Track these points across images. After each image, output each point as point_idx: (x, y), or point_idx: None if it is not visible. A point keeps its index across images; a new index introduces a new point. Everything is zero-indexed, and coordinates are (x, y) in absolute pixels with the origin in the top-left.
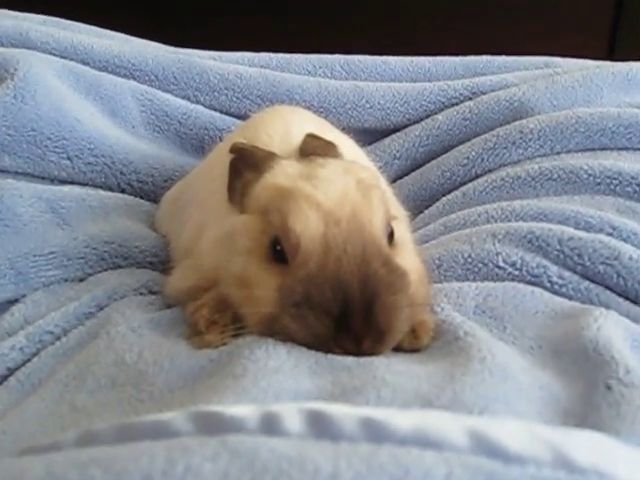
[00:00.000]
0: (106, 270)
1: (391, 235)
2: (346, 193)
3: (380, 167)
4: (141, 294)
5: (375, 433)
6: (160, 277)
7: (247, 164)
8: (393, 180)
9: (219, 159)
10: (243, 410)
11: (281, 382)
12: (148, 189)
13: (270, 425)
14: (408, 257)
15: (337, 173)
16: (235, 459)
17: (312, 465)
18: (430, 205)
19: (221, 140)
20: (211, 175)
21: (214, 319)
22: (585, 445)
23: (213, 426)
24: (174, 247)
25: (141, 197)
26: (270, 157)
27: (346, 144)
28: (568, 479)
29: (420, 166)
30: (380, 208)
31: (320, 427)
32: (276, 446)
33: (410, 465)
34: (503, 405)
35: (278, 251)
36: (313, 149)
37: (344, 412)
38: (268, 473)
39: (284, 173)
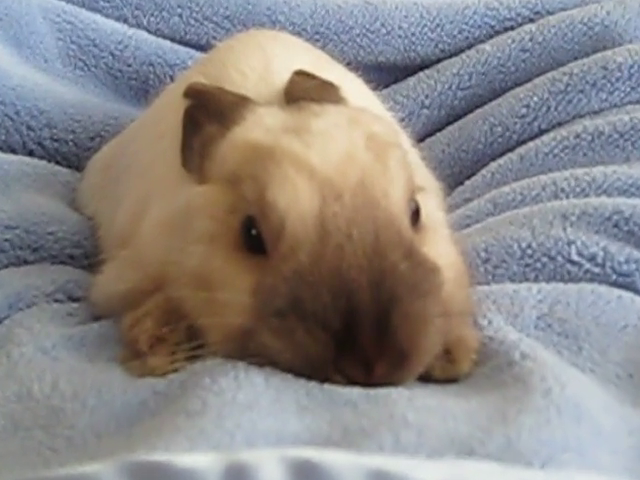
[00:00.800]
0: (7, 267)
1: (416, 214)
2: (351, 154)
3: (402, 119)
4: (57, 301)
5: None
6: (84, 276)
7: (209, 113)
8: (421, 138)
9: (169, 107)
10: (201, 459)
11: (255, 422)
12: (67, 151)
13: (239, 479)
14: (441, 246)
15: (339, 125)
16: None
17: None
18: (473, 173)
19: (172, 80)
20: (158, 130)
21: (161, 335)
22: None
23: None
24: (105, 234)
25: (57, 162)
26: (242, 103)
27: (352, 85)
28: None
29: (459, 118)
30: (400, 175)
31: None
32: None
33: None
34: (576, 455)
35: (253, 237)
36: (304, 92)
37: (345, 462)
38: None
39: (262, 125)
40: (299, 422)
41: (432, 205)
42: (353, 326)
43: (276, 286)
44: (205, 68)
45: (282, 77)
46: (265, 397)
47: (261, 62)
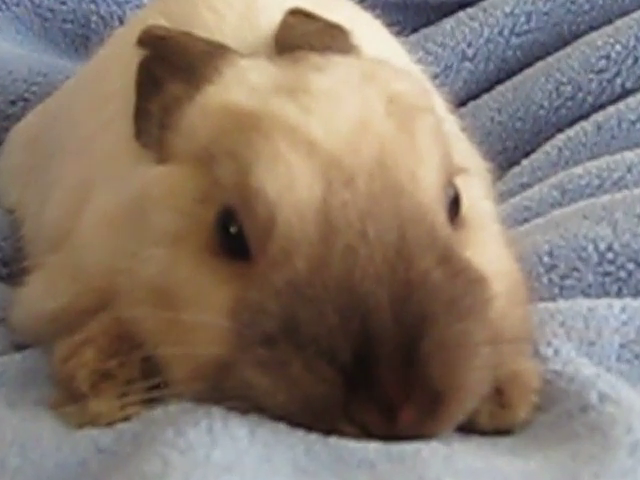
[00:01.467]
0: None
1: (455, 204)
2: (367, 122)
3: (436, 75)
4: None
5: None
6: (3, 291)
7: (172, 67)
8: (461, 101)
9: (118, 60)
10: None
11: None
12: None
13: None
14: (489, 248)
15: (349, 83)
16: None
17: None
18: (533, 149)
19: (121, 23)
20: (102, 92)
21: (107, 370)
22: None
23: None
24: (31, 232)
25: None
26: (217, 54)
27: (367, 30)
28: None
29: (513, 74)
30: (434, 151)
31: None
32: None
33: None
34: None
35: (232, 235)
36: (302, 38)
37: None
38: None
39: (245, 83)
40: None
41: (477, 192)
42: (369, 357)
43: (263, 303)
44: (167, 6)
45: (271, 18)
46: (250, 455)
47: None
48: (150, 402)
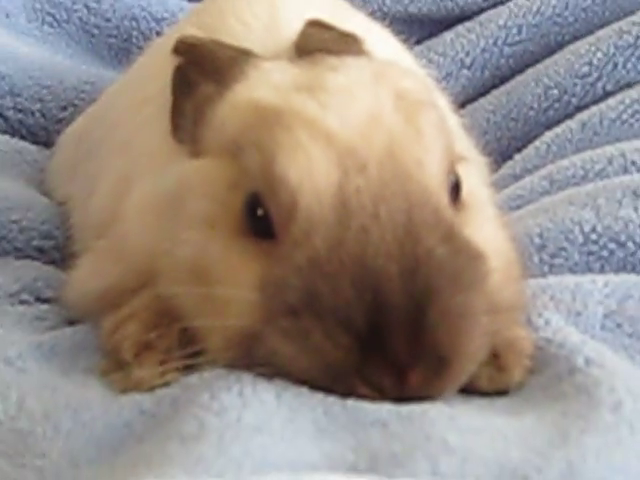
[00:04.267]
0: None
1: (456, 189)
2: (377, 115)
3: (438, 80)
4: (23, 302)
5: None
6: (55, 273)
7: (204, 71)
8: (461, 104)
9: (156, 66)
10: None
11: (266, 448)
12: (34, 123)
13: None
14: (486, 228)
15: (362, 81)
16: None
17: None
18: (525, 145)
19: (159, 35)
20: (142, 94)
21: (149, 341)
22: None
23: None
24: (79, 221)
25: (22, 137)
26: (244, 58)
27: (378, 38)
28: None
29: (507, 80)
30: (437, 141)
31: None
32: None
33: None
34: None
35: (259, 218)
36: (319, 44)
37: None
38: None
39: (268, 83)
40: (316, 448)
41: (476, 179)
42: (381, 326)
43: (287, 278)
44: (199, 18)
45: (292, 28)
46: (277, 417)
47: (267, 10)
48: (187, 369)
